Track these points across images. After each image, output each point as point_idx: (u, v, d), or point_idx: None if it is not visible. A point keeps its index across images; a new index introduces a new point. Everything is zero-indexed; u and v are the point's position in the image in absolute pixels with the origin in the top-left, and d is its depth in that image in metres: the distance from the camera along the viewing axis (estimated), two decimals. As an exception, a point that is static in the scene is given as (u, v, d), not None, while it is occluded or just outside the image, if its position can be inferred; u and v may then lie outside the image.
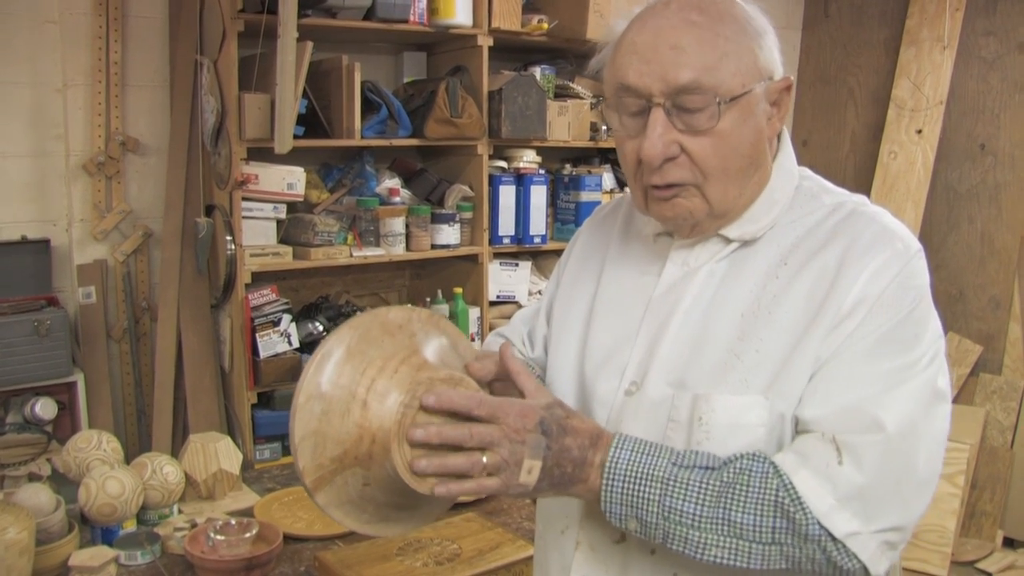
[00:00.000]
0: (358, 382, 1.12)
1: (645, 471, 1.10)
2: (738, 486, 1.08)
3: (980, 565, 4.01)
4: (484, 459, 1.09)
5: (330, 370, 1.12)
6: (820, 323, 1.13)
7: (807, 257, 1.18)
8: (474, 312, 3.56)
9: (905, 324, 1.12)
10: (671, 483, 1.09)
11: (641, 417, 1.22)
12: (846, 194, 1.26)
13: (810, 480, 1.07)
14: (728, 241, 1.24)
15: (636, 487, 1.10)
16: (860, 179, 4.77)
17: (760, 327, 1.17)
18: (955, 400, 4.42)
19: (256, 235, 3.17)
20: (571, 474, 1.12)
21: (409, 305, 3.27)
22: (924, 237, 4.52)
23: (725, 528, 1.08)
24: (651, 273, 1.30)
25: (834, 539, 1.06)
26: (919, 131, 4.51)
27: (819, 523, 1.06)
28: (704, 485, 1.09)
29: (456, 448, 1.09)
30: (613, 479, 1.11)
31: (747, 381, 1.15)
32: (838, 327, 1.12)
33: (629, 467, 1.11)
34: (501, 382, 1.23)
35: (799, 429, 1.13)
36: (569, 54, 3.90)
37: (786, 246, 1.21)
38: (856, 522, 1.06)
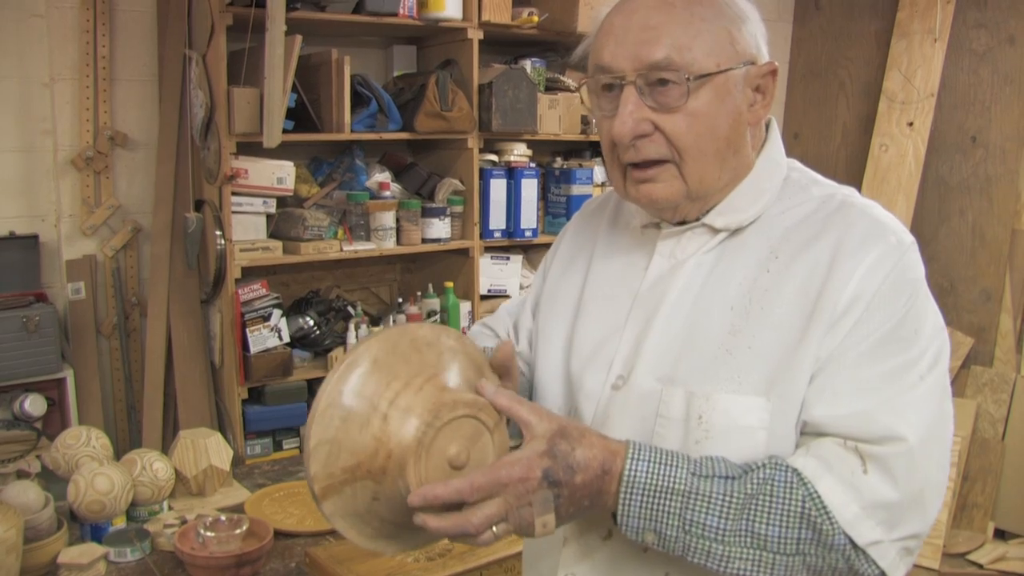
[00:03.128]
0: (381, 395, 1.08)
1: (665, 484, 1.06)
2: (762, 497, 1.06)
3: (971, 556, 4.02)
4: (495, 530, 1.05)
5: (354, 380, 1.09)
6: (817, 321, 1.11)
7: (797, 250, 1.17)
8: (465, 306, 3.56)
9: (904, 321, 1.11)
10: (692, 496, 1.06)
11: (628, 412, 1.21)
12: (835, 186, 1.25)
13: (835, 488, 1.05)
14: (715, 232, 1.23)
15: (655, 500, 1.06)
16: (851, 171, 4.77)
17: (752, 323, 1.15)
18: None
19: (246, 230, 3.16)
20: (588, 507, 1.09)
21: (438, 323, 3.28)
22: (915, 229, 4.53)
23: (749, 540, 1.05)
24: (638, 266, 1.29)
25: (856, 547, 1.05)
26: (910, 124, 4.51)
27: (844, 532, 1.05)
28: (727, 497, 1.06)
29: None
30: (631, 493, 1.07)
31: (739, 378, 1.13)
32: (836, 325, 1.11)
33: (648, 480, 1.06)
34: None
35: (808, 431, 1.12)
36: (560, 47, 3.89)
37: (775, 238, 1.19)
38: (879, 530, 1.05)
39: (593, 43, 1.22)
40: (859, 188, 4.53)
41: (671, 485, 1.06)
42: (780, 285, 1.16)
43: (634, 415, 1.20)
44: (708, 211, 1.23)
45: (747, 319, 1.16)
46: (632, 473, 1.06)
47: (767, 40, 1.22)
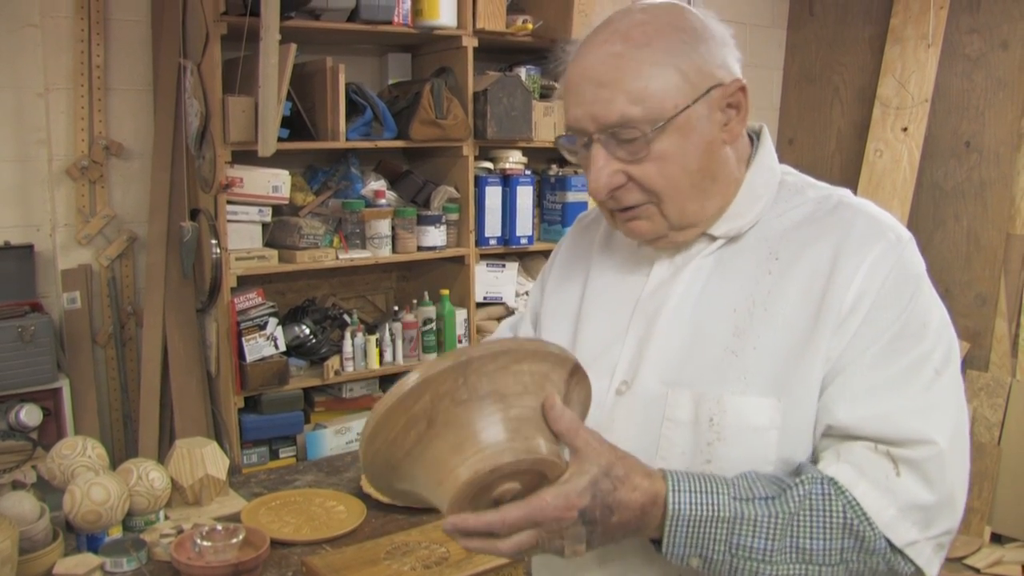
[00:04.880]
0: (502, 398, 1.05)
1: (709, 513, 1.06)
2: (804, 513, 1.07)
3: (968, 561, 4.02)
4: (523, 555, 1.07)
5: (500, 364, 1.06)
6: (823, 322, 1.13)
7: (798, 251, 1.18)
8: (461, 314, 3.55)
9: (912, 316, 1.13)
10: (737, 521, 1.07)
11: (633, 416, 1.21)
12: (830, 187, 1.27)
13: (871, 492, 1.08)
14: (714, 238, 1.24)
15: (701, 529, 1.07)
16: (846, 177, 4.77)
17: (756, 324, 1.16)
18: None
19: (241, 238, 3.16)
20: (624, 537, 1.09)
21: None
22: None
23: (795, 556, 1.07)
24: (639, 273, 1.30)
25: (895, 548, 1.08)
26: (904, 129, 4.52)
27: (883, 536, 1.07)
28: (772, 519, 1.07)
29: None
30: (677, 526, 1.07)
31: (746, 379, 1.15)
32: (843, 325, 1.13)
33: (692, 511, 1.06)
34: None
35: (834, 434, 1.13)
36: (554, 55, 3.88)
37: (774, 240, 1.21)
38: (915, 530, 1.08)
39: (563, 96, 1.23)
40: (854, 193, 4.56)
41: (715, 513, 1.06)
42: (783, 286, 1.17)
43: (639, 419, 1.21)
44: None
45: (751, 320, 1.17)
46: (677, 507, 1.06)
47: (737, 51, 1.22)
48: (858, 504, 1.07)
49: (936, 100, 4.45)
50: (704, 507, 1.06)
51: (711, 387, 1.16)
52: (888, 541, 1.07)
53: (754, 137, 1.30)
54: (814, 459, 1.15)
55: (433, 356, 3.51)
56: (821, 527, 1.06)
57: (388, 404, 1.03)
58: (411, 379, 1.02)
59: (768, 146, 1.28)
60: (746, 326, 1.17)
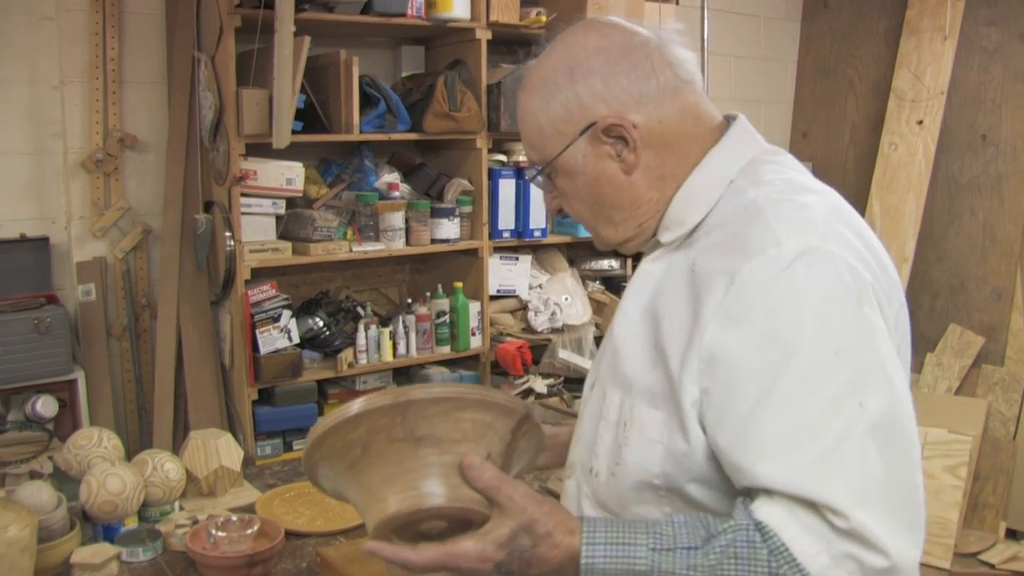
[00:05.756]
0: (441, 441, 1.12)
1: (624, 567, 1.05)
2: (728, 562, 1.03)
3: (983, 557, 4.00)
4: None
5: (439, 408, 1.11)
6: (692, 343, 1.10)
7: (705, 263, 1.14)
8: (474, 306, 3.55)
9: (810, 344, 1.03)
10: (656, 574, 1.05)
11: (588, 411, 1.28)
12: (776, 188, 1.17)
13: (803, 537, 1.01)
14: (661, 244, 1.25)
15: None
16: (860, 171, 4.76)
17: (664, 336, 1.15)
18: (958, 391, 4.42)
19: (255, 231, 3.17)
20: None
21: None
22: (925, 228, 4.52)
23: None
24: None
25: None
26: (920, 122, 4.49)
27: None
28: (692, 571, 1.03)
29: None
30: None
31: (652, 391, 1.15)
32: (710, 359, 1.08)
33: (606, 564, 1.06)
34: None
35: (756, 488, 1.06)
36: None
37: (698, 250, 1.17)
38: None
39: None
40: (868, 187, 4.54)
41: (630, 567, 1.05)
42: (686, 301, 1.14)
43: (591, 415, 1.26)
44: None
45: (664, 331, 1.15)
46: (590, 561, 1.06)
47: (623, 83, 1.20)
48: (787, 550, 1.01)
49: (952, 93, 4.43)
50: (619, 559, 1.05)
51: (629, 392, 1.18)
52: None
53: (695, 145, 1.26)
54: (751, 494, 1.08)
55: (447, 349, 3.51)
56: (747, 574, 1.02)
57: (325, 427, 1.10)
58: (352, 408, 1.09)
59: (729, 142, 1.23)
60: (660, 337, 1.15)
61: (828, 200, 1.18)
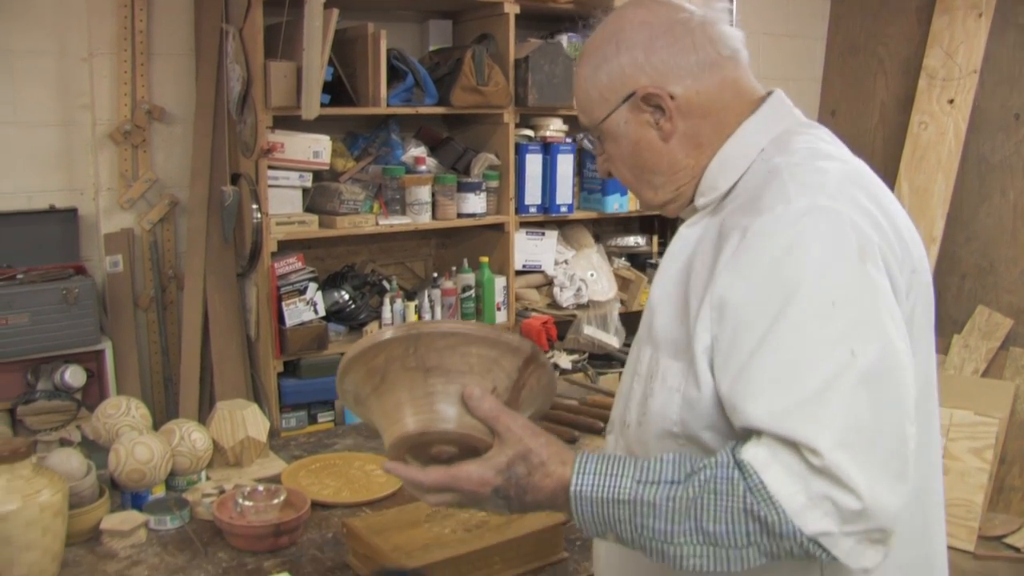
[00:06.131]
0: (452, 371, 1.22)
1: (610, 495, 1.12)
2: (705, 497, 1.07)
3: (1008, 540, 3.98)
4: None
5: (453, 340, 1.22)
6: (707, 296, 1.16)
7: (730, 223, 1.19)
8: (500, 281, 3.55)
9: (808, 293, 1.08)
10: (638, 504, 1.11)
11: (627, 370, 1.36)
12: (799, 155, 1.22)
13: (782, 477, 1.04)
14: (698, 209, 1.32)
15: (606, 509, 1.13)
16: (889, 150, 4.71)
17: (691, 294, 1.21)
18: (985, 373, 4.39)
19: (282, 203, 3.17)
20: (544, 509, 1.20)
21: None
22: (955, 208, 4.47)
23: (699, 538, 1.08)
24: None
25: (807, 536, 1.04)
26: (951, 101, 4.44)
27: (792, 522, 1.04)
28: (671, 502, 1.09)
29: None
30: (582, 505, 1.14)
31: (676, 344, 1.21)
32: (720, 306, 1.13)
33: (595, 492, 1.13)
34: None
35: (747, 427, 1.10)
36: (596, 21, 3.85)
37: (727, 212, 1.23)
38: (828, 521, 1.03)
39: None
40: (897, 167, 4.50)
41: (615, 495, 1.12)
42: (707, 258, 1.20)
43: (628, 373, 1.34)
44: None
45: (687, 290, 1.22)
46: (579, 489, 1.14)
47: (663, 56, 1.26)
48: (765, 488, 1.04)
49: (985, 71, 4.37)
50: (605, 488, 1.13)
51: (657, 348, 1.25)
52: (800, 529, 1.03)
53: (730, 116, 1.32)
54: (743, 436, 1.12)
55: (472, 323, 3.51)
56: (723, 511, 1.06)
57: (352, 355, 1.24)
58: (371, 339, 1.21)
59: (763, 114, 1.29)
60: (688, 293, 1.21)
61: (848, 167, 1.22)
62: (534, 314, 3.62)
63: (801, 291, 1.08)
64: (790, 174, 1.17)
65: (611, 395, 1.52)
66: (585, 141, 1.43)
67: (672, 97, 1.26)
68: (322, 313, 3.21)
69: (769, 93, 1.33)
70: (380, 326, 3.31)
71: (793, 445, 1.04)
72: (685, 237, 1.29)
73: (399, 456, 1.24)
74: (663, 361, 1.22)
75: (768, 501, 1.04)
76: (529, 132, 3.66)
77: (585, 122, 1.36)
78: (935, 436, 1.30)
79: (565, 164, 3.62)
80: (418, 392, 1.21)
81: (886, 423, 1.06)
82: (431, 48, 3.61)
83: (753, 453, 1.06)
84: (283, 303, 3.12)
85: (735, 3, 4.17)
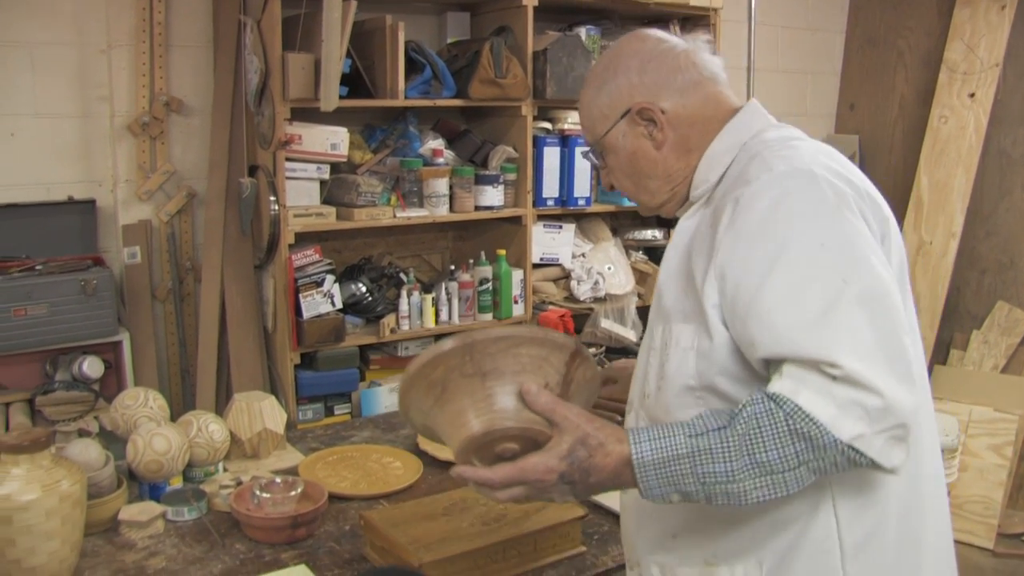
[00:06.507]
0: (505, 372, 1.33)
1: (669, 454, 1.24)
2: (752, 431, 1.20)
3: (1028, 536, 3.96)
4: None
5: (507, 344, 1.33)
6: (712, 260, 1.32)
7: (722, 205, 1.37)
8: (517, 274, 3.54)
9: (802, 237, 1.25)
10: (696, 454, 1.23)
11: (640, 352, 1.50)
12: (774, 141, 1.41)
13: (811, 397, 1.18)
14: (692, 203, 1.50)
15: (667, 469, 1.24)
16: (908, 144, 4.68)
17: (695, 267, 1.37)
18: (1004, 369, 4.36)
19: (299, 195, 3.17)
20: (609, 488, 1.31)
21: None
22: (975, 203, 4.44)
23: (756, 470, 1.21)
24: None
25: (844, 443, 1.18)
26: (972, 95, 4.41)
27: (830, 432, 1.17)
28: (725, 444, 1.22)
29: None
30: (645, 471, 1.25)
31: (684, 312, 1.37)
32: (723, 263, 1.30)
33: (654, 456, 1.25)
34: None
35: (772, 360, 1.25)
36: (615, 14, 3.84)
37: (718, 198, 1.41)
38: (861, 425, 1.17)
39: None
40: (916, 161, 4.47)
41: (674, 452, 1.24)
42: (706, 235, 1.37)
43: (642, 352, 1.49)
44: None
45: (689, 267, 1.39)
46: (640, 456, 1.25)
47: (654, 77, 1.47)
48: (800, 409, 1.18)
49: (1007, 65, 4.33)
50: (663, 450, 1.24)
51: (668, 321, 1.40)
52: (837, 437, 1.17)
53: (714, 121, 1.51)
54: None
55: (489, 316, 3.51)
56: (771, 438, 1.20)
57: (412, 372, 1.33)
58: (428, 354, 1.31)
59: (742, 117, 1.48)
60: (691, 269, 1.38)
61: (818, 144, 1.42)
62: (551, 307, 3.61)
63: (791, 239, 1.25)
64: (769, 152, 1.37)
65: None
66: (591, 156, 1.59)
67: (663, 111, 1.47)
68: (339, 305, 3.21)
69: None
70: (397, 319, 3.31)
71: (812, 364, 1.19)
72: (684, 228, 1.46)
73: (466, 460, 1.33)
74: (675, 328, 1.38)
75: (806, 418, 1.18)
76: (547, 125, 3.65)
77: (589, 139, 1.56)
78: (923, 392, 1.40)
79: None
80: (478, 396, 1.31)
81: (885, 334, 1.21)
82: (449, 40, 3.60)
83: (780, 385, 1.21)
84: (300, 295, 3.12)
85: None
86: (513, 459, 1.30)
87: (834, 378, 1.17)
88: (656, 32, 1.54)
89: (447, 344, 1.30)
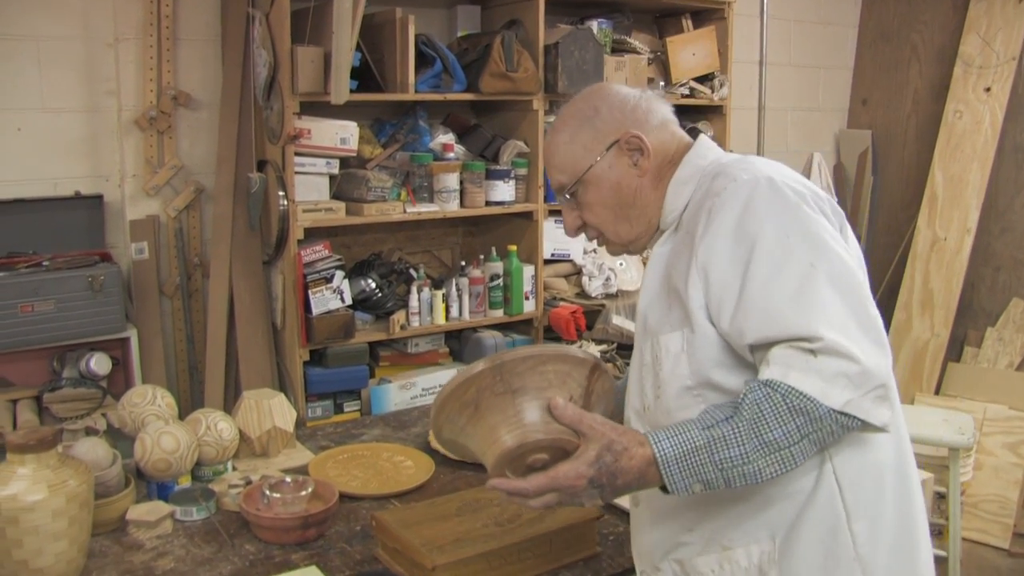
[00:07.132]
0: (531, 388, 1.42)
1: (689, 448, 1.35)
2: (756, 416, 1.32)
3: (1042, 538, 3.92)
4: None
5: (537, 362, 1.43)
6: (694, 266, 1.44)
7: (693, 221, 1.49)
8: (528, 270, 3.51)
9: (774, 232, 1.38)
10: (712, 444, 1.34)
11: (630, 373, 1.62)
12: (730, 159, 1.55)
13: (799, 377, 1.30)
14: (663, 232, 1.62)
15: (689, 462, 1.35)
16: (922, 139, 4.64)
17: (676, 281, 1.49)
18: (1020, 367, 4.31)
19: (308, 190, 3.14)
20: (634, 489, 1.41)
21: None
22: (990, 199, 4.40)
23: (765, 450, 1.33)
24: None
25: (836, 410, 1.30)
26: (987, 89, 4.36)
27: (822, 404, 1.30)
28: (735, 431, 1.33)
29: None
30: (669, 467, 1.35)
31: (671, 323, 1.48)
32: (705, 266, 1.42)
33: (675, 451, 1.35)
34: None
35: (757, 349, 1.38)
36: (627, 8, 3.81)
37: (687, 219, 1.54)
38: (847, 392, 1.30)
39: None
40: (930, 156, 4.42)
41: (692, 445, 1.35)
42: (684, 253, 1.49)
43: (633, 370, 1.61)
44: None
45: (669, 286, 1.51)
46: (663, 455, 1.36)
47: (649, 103, 1.61)
48: (793, 388, 1.30)
49: (1024, 59, 4.28)
50: (682, 444, 1.35)
51: (656, 336, 1.51)
52: (829, 407, 1.30)
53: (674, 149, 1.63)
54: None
55: (500, 313, 3.48)
56: (774, 419, 1.31)
57: (445, 393, 1.42)
58: (460, 377, 1.40)
59: (700, 143, 1.62)
60: (672, 285, 1.50)
61: (769, 160, 1.54)
62: (562, 303, 3.58)
63: (761, 234, 1.39)
64: (730, 167, 1.50)
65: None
66: (563, 198, 1.66)
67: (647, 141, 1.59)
68: (349, 301, 3.18)
69: (696, 136, 1.65)
70: (407, 315, 3.28)
71: (795, 345, 1.32)
72: (659, 254, 1.58)
73: (500, 473, 1.41)
74: (663, 339, 1.49)
75: (799, 395, 1.30)
76: (558, 119, 3.62)
77: (564, 180, 1.62)
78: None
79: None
80: (509, 412, 1.40)
81: (854, 307, 1.35)
82: (459, 34, 3.57)
83: (770, 372, 1.33)
84: (309, 291, 3.09)
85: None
86: (544, 468, 1.39)
87: (815, 353, 1.30)
88: (617, 86, 1.68)
89: (478, 366, 1.39)
